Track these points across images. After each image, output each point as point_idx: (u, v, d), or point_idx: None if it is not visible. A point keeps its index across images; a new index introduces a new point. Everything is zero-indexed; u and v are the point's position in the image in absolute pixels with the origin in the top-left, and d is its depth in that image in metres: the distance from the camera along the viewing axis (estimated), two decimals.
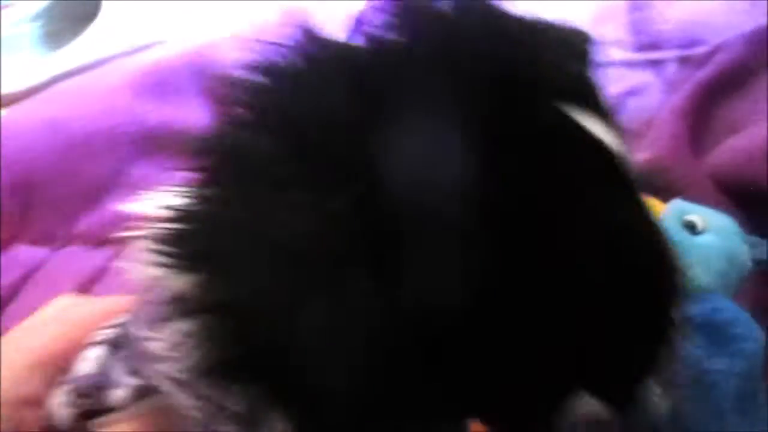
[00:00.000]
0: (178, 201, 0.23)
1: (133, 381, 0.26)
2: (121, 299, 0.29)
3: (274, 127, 0.22)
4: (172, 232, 0.22)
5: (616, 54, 0.71)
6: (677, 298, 0.26)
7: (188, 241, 0.22)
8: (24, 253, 0.61)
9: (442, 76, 0.23)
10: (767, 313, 0.46)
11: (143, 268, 0.23)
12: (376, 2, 0.24)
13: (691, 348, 0.41)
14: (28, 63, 0.78)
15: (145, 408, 0.25)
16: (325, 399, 0.21)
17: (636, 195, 0.25)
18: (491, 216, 0.21)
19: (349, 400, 0.21)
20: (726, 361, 0.41)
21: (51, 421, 0.28)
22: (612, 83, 0.67)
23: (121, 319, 0.28)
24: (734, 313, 0.43)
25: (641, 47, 0.71)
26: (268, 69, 0.23)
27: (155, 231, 0.23)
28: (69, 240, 0.62)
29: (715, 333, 0.42)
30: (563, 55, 0.26)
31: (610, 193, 0.24)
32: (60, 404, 0.27)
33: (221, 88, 0.23)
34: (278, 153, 0.22)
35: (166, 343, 0.23)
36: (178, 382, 0.23)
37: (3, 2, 0.85)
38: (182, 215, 0.22)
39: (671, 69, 0.68)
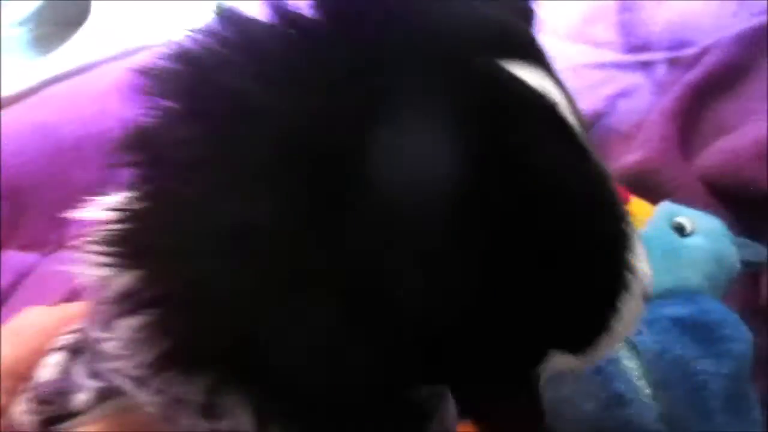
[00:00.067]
0: (118, 200, 0.23)
1: (94, 384, 0.25)
2: (80, 305, 0.29)
3: (189, 114, 0.22)
4: (113, 231, 0.22)
5: (607, 56, 0.71)
6: (627, 242, 0.26)
7: (128, 239, 0.22)
8: (14, 258, 0.61)
9: (364, 49, 0.23)
10: (755, 314, 0.46)
11: (92, 270, 0.23)
12: None
13: (680, 349, 0.41)
14: (18, 67, 0.78)
15: (109, 409, 0.25)
16: (280, 378, 0.21)
17: (578, 142, 0.25)
18: (437, 179, 0.21)
19: (306, 376, 0.21)
20: (714, 361, 0.41)
21: (14, 430, 0.27)
22: (602, 85, 0.68)
23: (80, 324, 0.28)
24: (723, 314, 0.43)
25: (631, 49, 0.71)
26: (182, 56, 0.23)
27: (101, 233, 0.23)
28: (60, 245, 0.62)
29: (704, 334, 0.42)
30: (504, 11, 0.27)
31: (551, 143, 0.24)
32: (22, 412, 0.27)
33: (142, 80, 0.23)
34: (192, 138, 0.22)
35: (120, 342, 0.23)
36: (137, 380, 0.23)
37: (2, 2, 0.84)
38: (122, 214, 0.22)
39: (661, 70, 0.68)
